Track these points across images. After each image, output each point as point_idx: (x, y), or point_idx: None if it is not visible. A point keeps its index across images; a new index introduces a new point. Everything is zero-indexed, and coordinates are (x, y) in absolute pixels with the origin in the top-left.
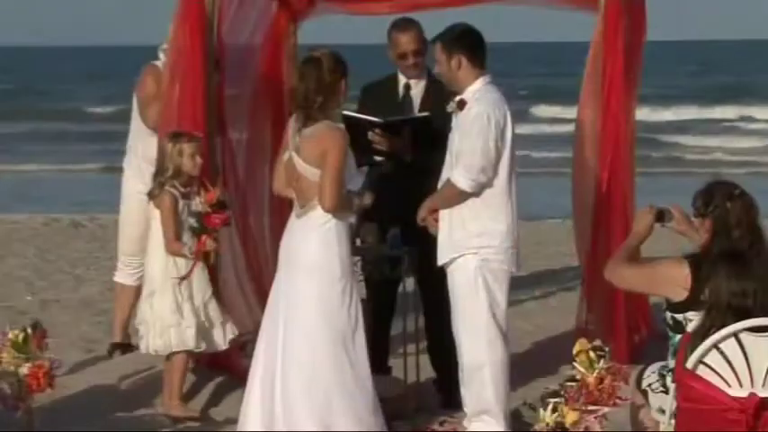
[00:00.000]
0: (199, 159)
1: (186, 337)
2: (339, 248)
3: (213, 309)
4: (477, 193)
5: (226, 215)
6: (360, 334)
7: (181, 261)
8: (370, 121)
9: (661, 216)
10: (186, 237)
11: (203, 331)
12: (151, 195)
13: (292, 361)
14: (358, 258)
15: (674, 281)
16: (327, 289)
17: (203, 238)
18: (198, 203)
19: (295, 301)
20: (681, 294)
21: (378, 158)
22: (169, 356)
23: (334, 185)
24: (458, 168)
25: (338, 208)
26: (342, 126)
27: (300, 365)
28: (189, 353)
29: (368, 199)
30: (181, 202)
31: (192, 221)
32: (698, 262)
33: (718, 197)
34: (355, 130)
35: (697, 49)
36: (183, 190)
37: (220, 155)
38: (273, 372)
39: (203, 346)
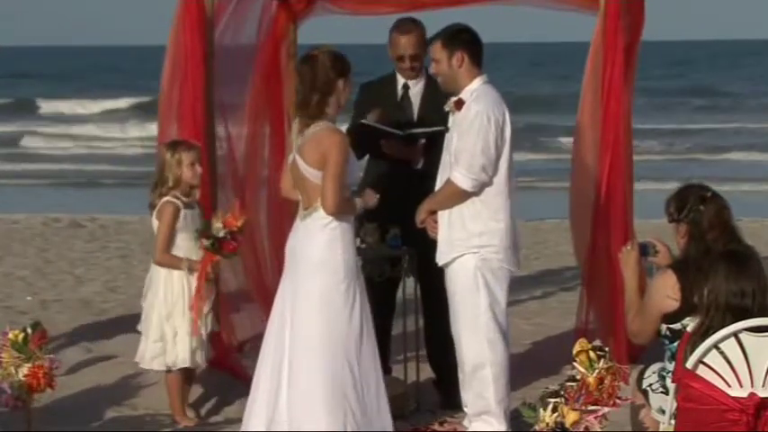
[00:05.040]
0: (198, 168)
1: (186, 356)
2: (343, 250)
3: (206, 325)
4: (477, 192)
5: (237, 244)
6: (366, 338)
7: (183, 275)
8: (389, 132)
9: (644, 250)
10: (184, 249)
11: (192, 348)
12: (151, 207)
13: (296, 361)
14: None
15: (663, 291)
16: (330, 289)
17: (209, 256)
18: (218, 228)
19: (299, 302)
20: (672, 305)
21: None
22: (168, 372)
23: (335, 188)
24: (458, 167)
25: (339, 210)
26: (339, 128)
27: (302, 366)
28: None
29: (372, 200)
30: (183, 212)
31: (207, 243)
32: (681, 268)
33: (691, 201)
34: (368, 137)
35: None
36: (184, 200)
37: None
38: (280, 372)
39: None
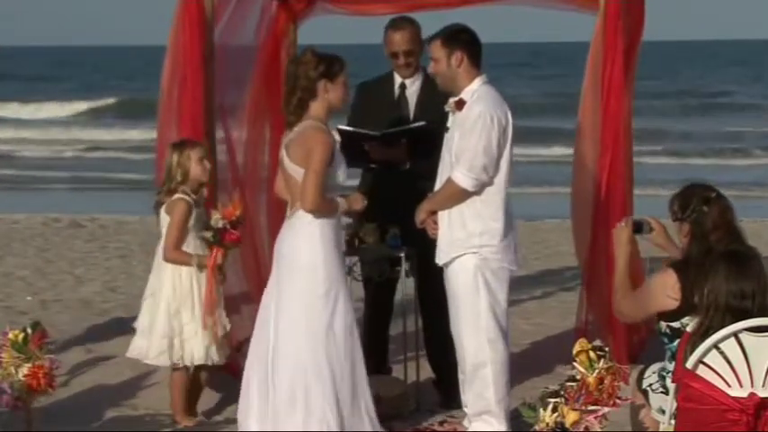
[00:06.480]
0: (207, 164)
1: (200, 353)
2: (324, 250)
3: (222, 323)
4: (477, 191)
5: (239, 235)
6: (345, 338)
7: (192, 271)
8: (366, 135)
9: (638, 227)
10: (193, 246)
11: (207, 345)
12: (158, 204)
13: (279, 361)
14: (356, 259)
15: (662, 290)
16: (309, 291)
17: (215, 251)
18: (217, 219)
19: (282, 303)
20: (671, 303)
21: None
22: (173, 369)
23: (315, 185)
24: (459, 167)
25: (318, 209)
26: (326, 127)
27: (284, 365)
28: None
29: (358, 204)
30: (193, 211)
31: (208, 235)
32: (682, 268)
33: (695, 201)
34: (351, 142)
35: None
36: (194, 197)
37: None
38: (266, 372)
39: (209, 360)
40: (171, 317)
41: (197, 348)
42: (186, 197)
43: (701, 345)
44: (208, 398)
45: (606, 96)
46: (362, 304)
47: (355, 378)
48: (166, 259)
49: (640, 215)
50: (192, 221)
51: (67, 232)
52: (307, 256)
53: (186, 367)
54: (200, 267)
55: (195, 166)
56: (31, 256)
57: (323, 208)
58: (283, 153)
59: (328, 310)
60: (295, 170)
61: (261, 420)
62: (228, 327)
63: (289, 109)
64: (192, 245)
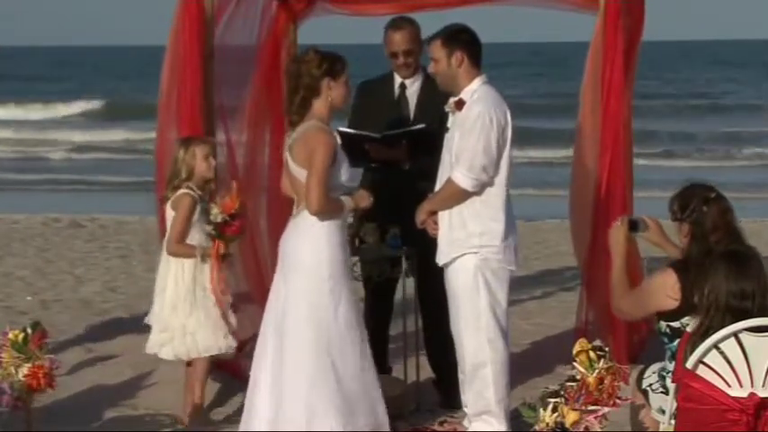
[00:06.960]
0: (213, 161)
1: (210, 343)
2: (328, 249)
3: (228, 312)
4: (477, 192)
5: (240, 225)
6: (349, 337)
7: (194, 265)
8: (367, 137)
9: (634, 226)
10: (197, 240)
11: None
12: (164, 200)
13: (284, 361)
14: (357, 258)
15: (662, 290)
16: (314, 290)
17: (217, 243)
18: (216, 213)
19: (288, 302)
20: (671, 303)
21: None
22: (191, 362)
23: (318, 187)
24: (459, 167)
25: (322, 209)
26: (328, 127)
27: (288, 365)
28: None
29: (365, 201)
30: (197, 206)
31: (209, 229)
32: (682, 268)
33: (695, 201)
34: (351, 143)
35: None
36: (199, 193)
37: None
38: (271, 373)
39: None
40: (172, 310)
41: (202, 338)
42: (191, 192)
43: (701, 345)
44: (209, 397)
45: (606, 96)
46: (362, 304)
47: (361, 377)
48: (170, 252)
49: (637, 214)
50: (196, 216)
51: (67, 232)
52: (310, 255)
53: (202, 358)
54: (204, 258)
55: (201, 162)
56: (31, 256)
57: (327, 209)
58: (287, 154)
59: (331, 309)
60: (298, 171)
61: (265, 420)
62: (235, 321)
63: (292, 109)
64: (196, 239)
